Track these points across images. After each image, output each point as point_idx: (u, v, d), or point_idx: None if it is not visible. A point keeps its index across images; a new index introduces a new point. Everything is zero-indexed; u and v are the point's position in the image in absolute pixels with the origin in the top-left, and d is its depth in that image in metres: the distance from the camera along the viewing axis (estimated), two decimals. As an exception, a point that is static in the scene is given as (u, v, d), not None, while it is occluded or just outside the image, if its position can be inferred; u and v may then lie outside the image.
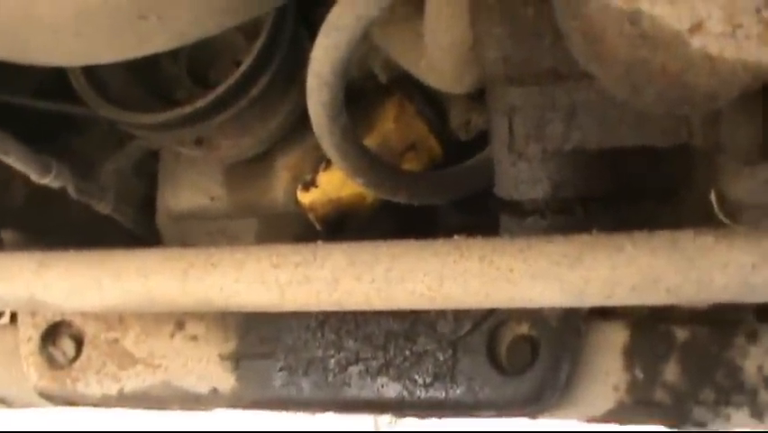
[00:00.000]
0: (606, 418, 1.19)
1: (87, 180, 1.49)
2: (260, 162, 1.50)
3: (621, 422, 1.19)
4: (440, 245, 1.06)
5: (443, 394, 1.21)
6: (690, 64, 0.87)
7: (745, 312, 1.16)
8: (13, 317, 1.44)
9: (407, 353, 1.23)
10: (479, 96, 1.33)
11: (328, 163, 1.43)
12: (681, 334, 1.16)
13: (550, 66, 1.12)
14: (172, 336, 1.32)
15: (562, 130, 1.14)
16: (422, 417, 1.25)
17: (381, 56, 1.42)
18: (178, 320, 1.31)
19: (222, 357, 1.30)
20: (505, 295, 1.02)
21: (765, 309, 1.16)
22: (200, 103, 1.37)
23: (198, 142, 1.46)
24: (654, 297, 0.99)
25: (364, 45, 1.37)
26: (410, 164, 1.45)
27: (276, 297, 1.09)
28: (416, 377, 1.22)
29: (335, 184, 1.45)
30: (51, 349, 1.36)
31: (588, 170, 1.17)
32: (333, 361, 1.25)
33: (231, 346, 1.29)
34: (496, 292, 1.02)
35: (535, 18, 1.11)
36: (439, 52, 1.26)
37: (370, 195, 1.43)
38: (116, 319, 1.34)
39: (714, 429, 1.15)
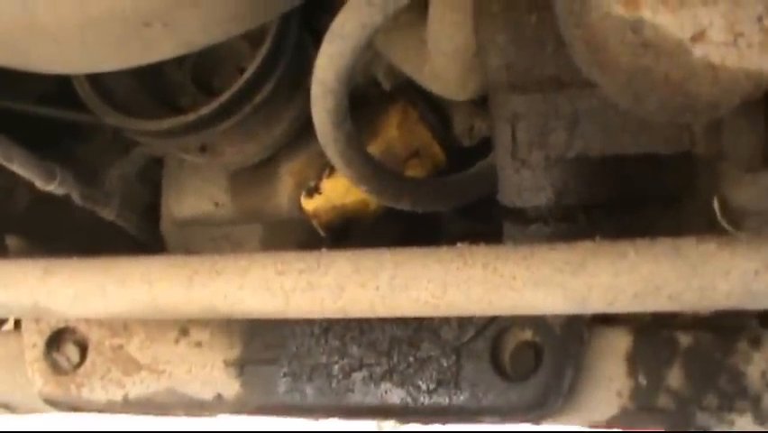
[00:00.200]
0: (609, 423, 1.19)
1: (92, 187, 1.49)
2: (264, 169, 1.50)
3: (624, 428, 1.19)
4: (443, 253, 1.05)
5: (447, 400, 1.21)
6: (692, 73, 0.87)
7: (747, 318, 1.16)
8: (18, 323, 1.44)
9: (411, 359, 1.23)
10: (482, 103, 1.33)
11: (332, 170, 1.43)
12: (685, 339, 1.16)
13: (553, 73, 1.13)
14: (177, 342, 1.32)
15: (564, 137, 1.14)
16: (425, 423, 1.25)
17: (385, 63, 1.42)
18: (183, 326, 1.31)
19: (226, 363, 1.30)
20: (508, 302, 1.02)
21: (768, 315, 1.16)
22: (204, 110, 1.37)
23: (203, 148, 1.46)
24: (657, 304, 0.99)
25: (368, 52, 1.37)
26: (414, 171, 1.45)
27: (280, 304, 1.09)
28: (420, 383, 1.22)
29: (339, 191, 1.45)
30: (56, 355, 1.36)
31: (590, 177, 1.17)
32: (337, 367, 1.25)
33: (235, 353, 1.30)
34: (499, 300, 1.02)
35: (538, 26, 1.12)
36: (442, 59, 1.26)
37: (373, 202, 1.43)
38: (121, 325, 1.34)
39: (717, 435, 1.15)
